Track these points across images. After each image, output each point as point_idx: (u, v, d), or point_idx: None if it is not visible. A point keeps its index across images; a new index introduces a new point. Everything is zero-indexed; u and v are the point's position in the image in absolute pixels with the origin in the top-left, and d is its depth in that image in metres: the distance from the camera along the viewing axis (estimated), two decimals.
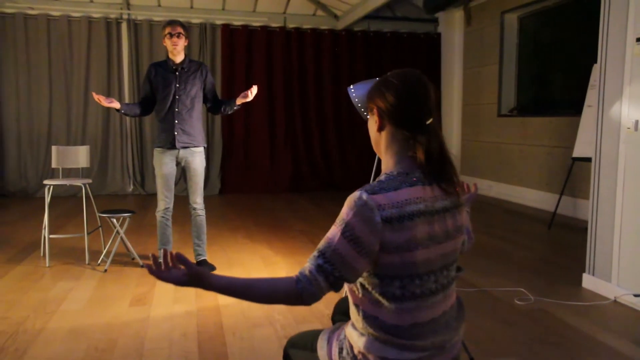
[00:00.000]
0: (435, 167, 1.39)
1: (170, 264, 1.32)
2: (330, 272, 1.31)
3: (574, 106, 6.35)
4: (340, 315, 1.83)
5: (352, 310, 1.44)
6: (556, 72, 7.17)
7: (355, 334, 1.42)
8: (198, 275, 1.31)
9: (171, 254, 1.31)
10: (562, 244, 5.18)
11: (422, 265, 1.35)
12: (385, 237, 1.30)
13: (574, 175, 6.07)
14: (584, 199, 6.10)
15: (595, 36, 3.75)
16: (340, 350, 1.46)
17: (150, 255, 1.30)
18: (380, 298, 1.36)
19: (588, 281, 3.82)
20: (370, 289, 1.37)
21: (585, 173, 6.04)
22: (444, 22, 9.05)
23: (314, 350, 1.57)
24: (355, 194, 1.34)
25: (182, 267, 1.32)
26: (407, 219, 1.32)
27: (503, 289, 3.77)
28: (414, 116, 1.40)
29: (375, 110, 1.46)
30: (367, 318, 1.38)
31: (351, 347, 1.43)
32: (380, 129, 1.46)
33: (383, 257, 1.32)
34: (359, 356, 1.40)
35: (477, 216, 6.45)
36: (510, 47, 7.76)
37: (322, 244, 1.35)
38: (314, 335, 1.64)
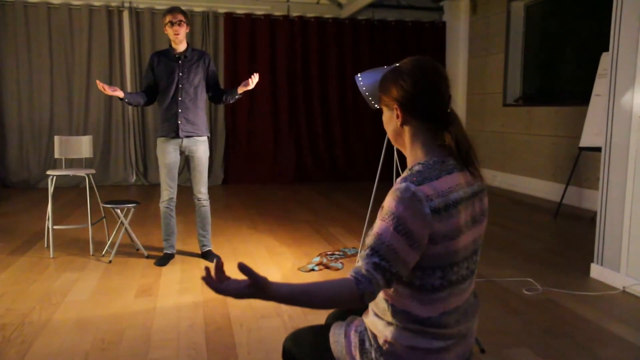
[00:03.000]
0: (464, 154, 1.38)
1: (215, 276, 1.19)
2: (387, 269, 1.25)
3: (580, 96, 6.29)
4: (334, 318, 1.78)
5: (379, 304, 1.41)
6: (562, 61, 7.10)
7: (380, 323, 1.40)
8: (260, 286, 1.18)
9: (239, 265, 1.15)
10: (569, 234, 5.15)
11: (462, 252, 1.35)
12: (434, 227, 1.28)
13: (580, 165, 6.03)
14: (590, 189, 6.06)
15: (603, 25, 3.70)
16: (362, 342, 1.43)
17: (205, 267, 1.18)
18: (415, 291, 1.33)
19: (596, 271, 3.79)
20: (408, 281, 1.33)
21: (591, 163, 6.00)
22: (449, 11, 8.96)
23: (321, 344, 1.53)
24: (401, 186, 1.29)
25: (245, 277, 1.18)
26: (452, 207, 1.30)
27: (511, 279, 3.75)
28: (437, 106, 1.38)
29: (394, 104, 1.41)
30: (397, 312, 1.36)
31: (375, 337, 1.40)
32: (403, 123, 1.41)
33: (430, 248, 1.29)
34: (385, 346, 1.37)
35: None
36: (516, 36, 7.68)
37: (372, 240, 1.28)
38: (315, 329, 1.61)
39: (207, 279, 1.17)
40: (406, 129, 1.42)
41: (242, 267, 1.15)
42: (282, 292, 1.20)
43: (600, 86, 5.43)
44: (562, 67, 7.12)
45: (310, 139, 8.70)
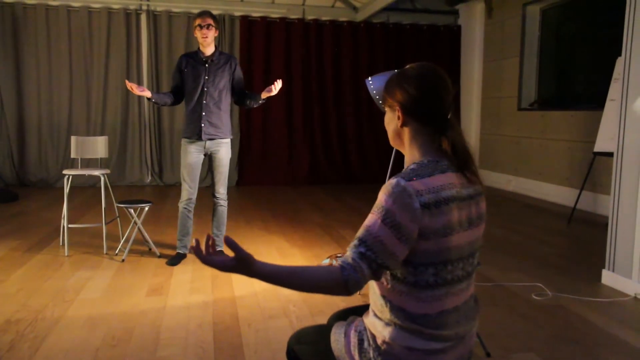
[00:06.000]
0: (460, 158, 1.42)
1: (211, 250, 1.31)
2: (373, 260, 1.30)
3: (596, 100, 6.23)
4: (336, 319, 1.81)
5: (377, 301, 1.44)
6: (578, 66, 7.04)
7: (379, 324, 1.42)
8: (245, 261, 1.28)
9: (226, 239, 1.26)
10: (582, 240, 5.11)
11: (455, 251, 1.37)
12: (424, 222, 1.31)
13: (595, 170, 5.97)
14: (604, 194, 6.00)
15: (619, 29, 3.67)
16: (361, 341, 1.45)
17: (194, 240, 1.29)
18: (411, 287, 1.36)
19: (607, 277, 3.76)
20: (402, 277, 1.37)
21: (606, 168, 5.93)
22: (464, 15, 8.93)
23: (322, 343, 1.56)
24: (392, 181, 1.35)
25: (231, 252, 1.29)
26: (443, 204, 1.34)
27: (520, 284, 3.73)
28: (437, 111, 1.43)
29: (396, 106, 1.47)
30: (394, 309, 1.39)
31: (374, 337, 1.42)
32: (403, 124, 1.47)
33: (421, 244, 1.33)
34: (383, 346, 1.39)
35: (495, 210, 6.38)
36: (531, 40, 7.63)
37: (361, 232, 1.34)
38: (318, 329, 1.64)
39: (197, 250, 1.28)
40: (406, 130, 1.48)
41: (229, 242, 1.25)
42: (266, 270, 1.30)
43: (615, 91, 5.38)
44: (577, 72, 7.07)
45: (324, 141, 8.73)
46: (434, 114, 1.43)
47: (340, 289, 1.30)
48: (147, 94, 3.92)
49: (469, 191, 1.43)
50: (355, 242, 1.34)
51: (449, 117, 1.43)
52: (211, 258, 1.29)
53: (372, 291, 1.47)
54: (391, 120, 1.51)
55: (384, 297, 1.41)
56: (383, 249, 1.30)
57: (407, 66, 1.49)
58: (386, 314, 1.40)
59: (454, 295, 1.40)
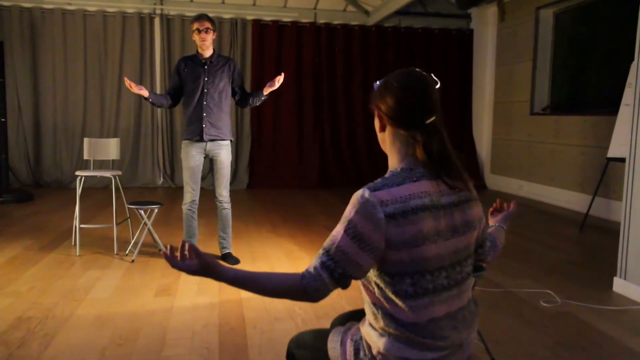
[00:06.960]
0: (437, 164, 1.39)
1: (188, 256, 1.39)
2: (333, 269, 1.33)
3: (609, 105, 6.16)
4: (338, 323, 1.81)
5: (370, 310, 1.44)
6: (592, 70, 6.97)
7: (374, 334, 1.41)
8: (207, 266, 1.37)
9: (189, 246, 1.38)
10: (594, 247, 5.05)
11: (434, 261, 1.35)
12: (390, 233, 1.31)
13: (608, 176, 5.90)
14: (618, 201, 5.93)
15: (634, 33, 3.63)
16: (357, 351, 1.45)
17: (168, 246, 1.38)
18: (393, 296, 1.36)
19: (619, 285, 3.71)
20: (383, 287, 1.37)
21: (620, 174, 5.86)
22: (476, 18, 8.90)
23: (320, 349, 1.56)
24: (359, 191, 1.36)
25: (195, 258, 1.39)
26: (411, 214, 1.32)
27: (529, 290, 3.70)
28: (412, 117, 1.41)
29: (376, 112, 1.48)
30: (386, 317, 1.38)
31: (369, 347, 1.42)
32: (381, 129, 1.49)
33: (391, 254, 1.32)
34: (378, 357, 1.39)
35: None
36: (544, 44, 7.58)
37: (327, 241, 1.38)
38: (318, 334, 1.65)
39: (168, 256, 1.38)
40: (386, 134, 1.48)
41: (192, 249, 1.36)
42: (229, 275, 1.39)
43: (629, 96, 5.32)
44: (591, 76, 7.00)
45: (334, 145, 8.74)
46: (407, 120, 1.41)
47: (300, 296, 1.35)
48: (145, 93, 3.97)
49: (449, 199, 1.40)
50: (320, 251, 1.38)
51: (428, 122, 1.39)
52: (179, 263, 1.38)
53: (365, 299, 1.46)
54: (376, 125, 1.52)
55: (374, 304, 1.41)
56: (345, 259, 1.32)
57: (393, 73, 1.48)
58: (379, 322, 1.40)
59: (442, 303, 1.38)
